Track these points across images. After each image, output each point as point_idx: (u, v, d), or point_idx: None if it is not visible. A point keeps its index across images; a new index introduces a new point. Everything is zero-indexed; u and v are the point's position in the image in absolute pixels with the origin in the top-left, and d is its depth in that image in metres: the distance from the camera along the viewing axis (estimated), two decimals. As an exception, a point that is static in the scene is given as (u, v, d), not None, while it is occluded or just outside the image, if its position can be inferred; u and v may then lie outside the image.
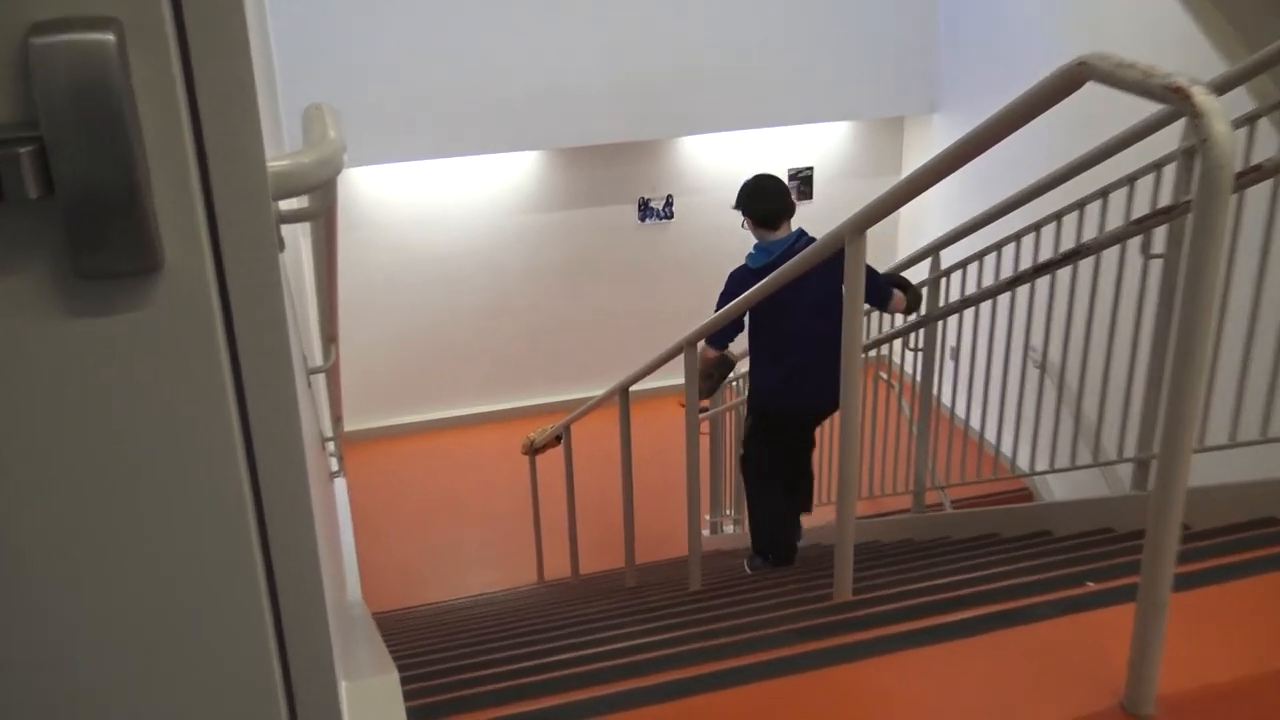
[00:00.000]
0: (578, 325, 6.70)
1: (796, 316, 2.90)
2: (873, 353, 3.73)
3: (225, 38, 0.55)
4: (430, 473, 6.08)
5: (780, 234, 2.97)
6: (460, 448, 6.37)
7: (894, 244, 6.69)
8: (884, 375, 4.03)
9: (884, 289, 2.99)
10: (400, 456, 6.30)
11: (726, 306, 2.74)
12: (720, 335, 2.97)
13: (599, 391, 3.79)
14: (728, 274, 2.98)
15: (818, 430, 3.30)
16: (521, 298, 6.52)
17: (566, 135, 5.85)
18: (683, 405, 2.90)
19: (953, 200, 5.34)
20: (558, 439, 4.30)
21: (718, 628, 1.94)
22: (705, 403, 3.21)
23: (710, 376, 3.05)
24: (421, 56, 5.43)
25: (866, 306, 3.02)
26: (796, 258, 2.25)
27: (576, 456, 4.21)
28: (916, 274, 3.71)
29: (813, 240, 2.76)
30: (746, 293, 2.57)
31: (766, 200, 2.98)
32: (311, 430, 1.72)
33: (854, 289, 1.89)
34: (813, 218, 6.38)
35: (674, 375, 3.14)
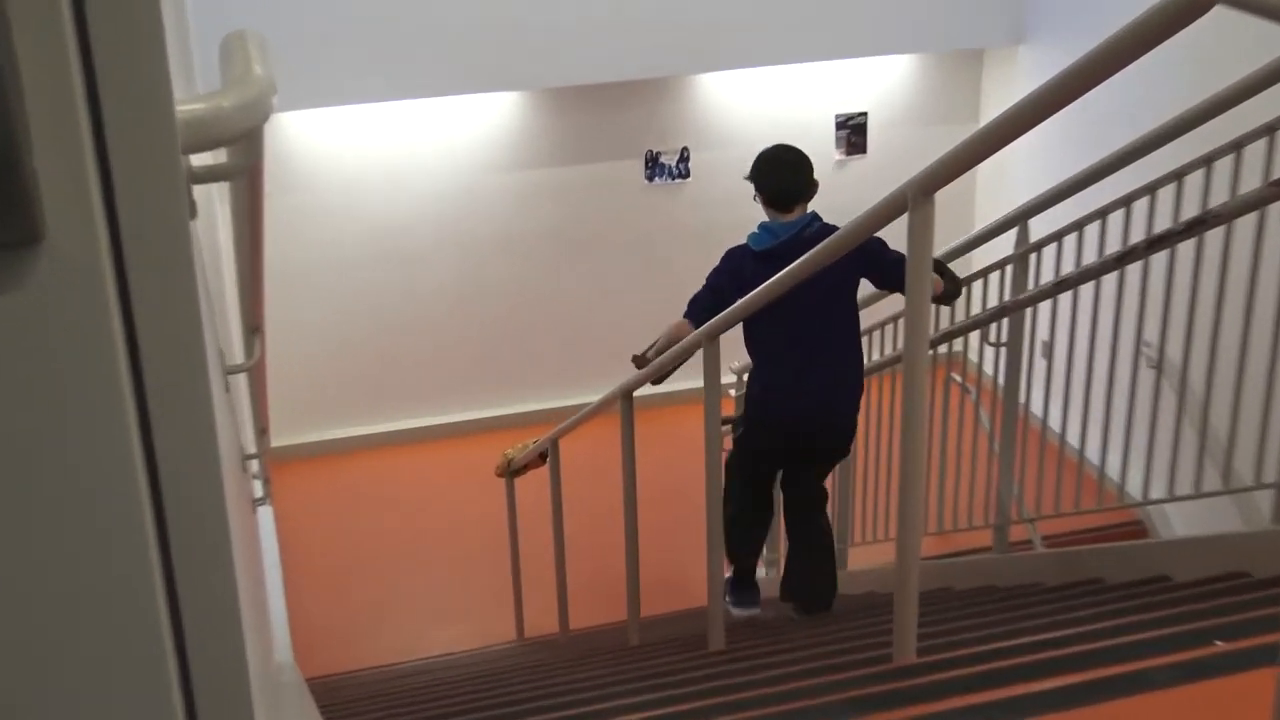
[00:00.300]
0: (568, 314, 6.70)
1: (796, 309, 2.98)
2: (942, 348, 3.72)
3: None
4: (380, 500, 6.08)
5: (793, 217, 3.12)
6: (418, 469, 6.37)
7: (969, 210, 6.69)
8: (957, 377, 4.05)
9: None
10: (342, 479, 6.31)
11: (713, 285, 2.99)
12: (700, 305, 3.12)
13: (595, 397, 3.78)
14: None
15: (856, 460, 3.41)
16: (497, 279, 6.53)
17: (554, 72, 5.86)
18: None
19: (1044, 155, 5.33)
20: (542, 457, 4.30)
21: (747, 698, 1.94)
22: (727, 408, 3.23)
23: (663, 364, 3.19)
24: (371, -29, 5.46)
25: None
26: (811, 253, 2.32)
27: (566, 480, 4.22)
28: (999, 248, 3.72)
29: (829, 229, 2.90)
30: (743, 291, 2.72)
31: (782, 176, 3.14)
32: (231, 446, 1.73)
33: (919, 263, 1.89)
34: (866, 176, 6.56)
35: (691, 377, 3.15)
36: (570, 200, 6.48)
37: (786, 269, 2.49)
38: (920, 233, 1.85)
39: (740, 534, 3.42)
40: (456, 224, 6.38)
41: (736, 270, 3.11)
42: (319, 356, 6.42)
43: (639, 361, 3.23)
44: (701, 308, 3.10)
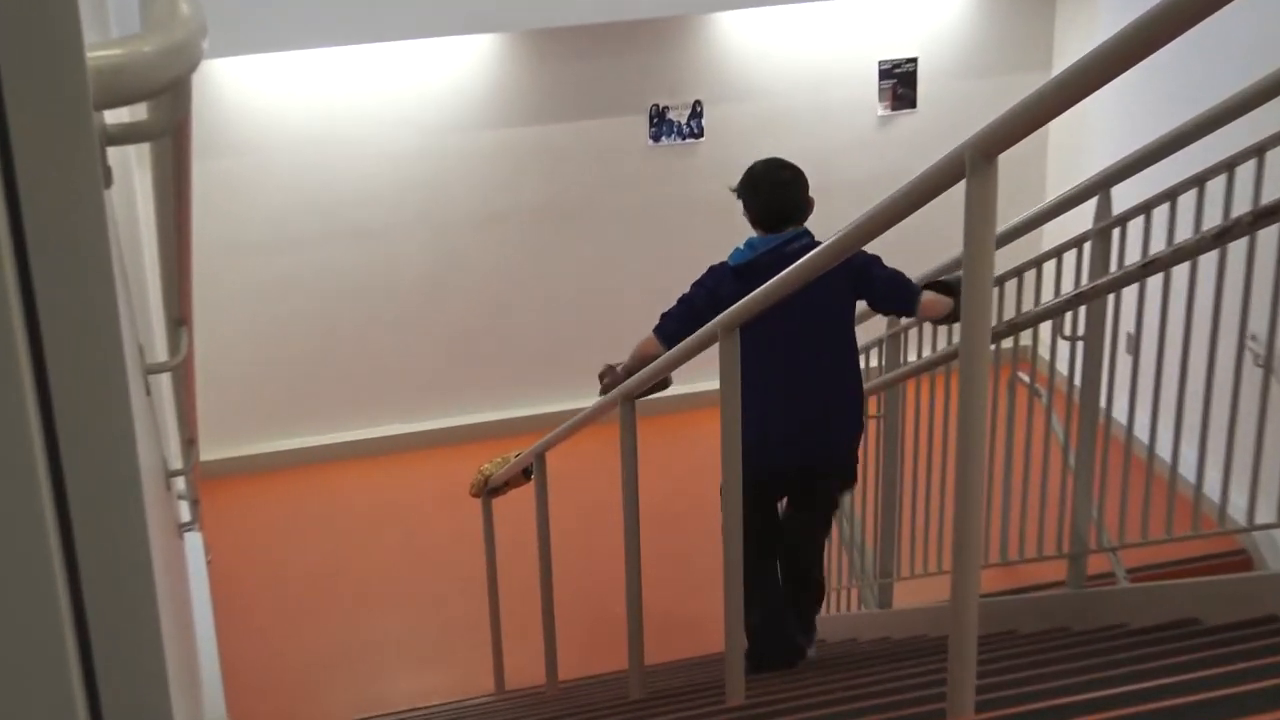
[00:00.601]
0: (557, 302, 6.69)
1: (781, 332, 3.15)
2: (1006, 342, 3.71)
3: None
4: (331, 526, 6.05)
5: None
6: (378, 488, 6.35)
7: (1039, 177, 6.69)
8: (1024, 377, 4.02)
9: (905, 288, 3.34)
10: (285, 501, 6.28)
11: (690, 300, 3.23)
12: (673, 322, 3.29)
13: (589, 402, 3.76)
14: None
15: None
16: (472, 261, 6.52)
17: (540, 12, 5.86)
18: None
19: (1130, 111, 5.32)
20: (526, 474, 4.29)
21: (770, 762, 1.94)
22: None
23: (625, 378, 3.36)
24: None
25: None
26: (799, 264, 2.40)
27: (555, 500, 4.20)
28: (1076, 222, 3.71)
29: (813, 244, 3.07)
30: (719, 313, 2.85)
31: (771, 195, 3.37)
32: (152, 461, 1.73)
33: (980, 240, 1.88)
34: (915, 136, 6.55)
35: (706, 377, 3.17)
36: (560, 166, 6.47)
37: (767, 283, 2.54)
38: (980, 204, 1.83)
39: (758, 596, 3.43)
40: (424, 195, 6.37)
41: (714, 288, 3.32)
42: (258, 353, 6.41)
43: (610, 380, 3.40)
44: (676, 323, 3.25)
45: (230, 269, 6.21)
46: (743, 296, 2.68)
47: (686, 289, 3.48)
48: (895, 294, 3.39)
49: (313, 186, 6.24)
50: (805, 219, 3.38)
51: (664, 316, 3.41)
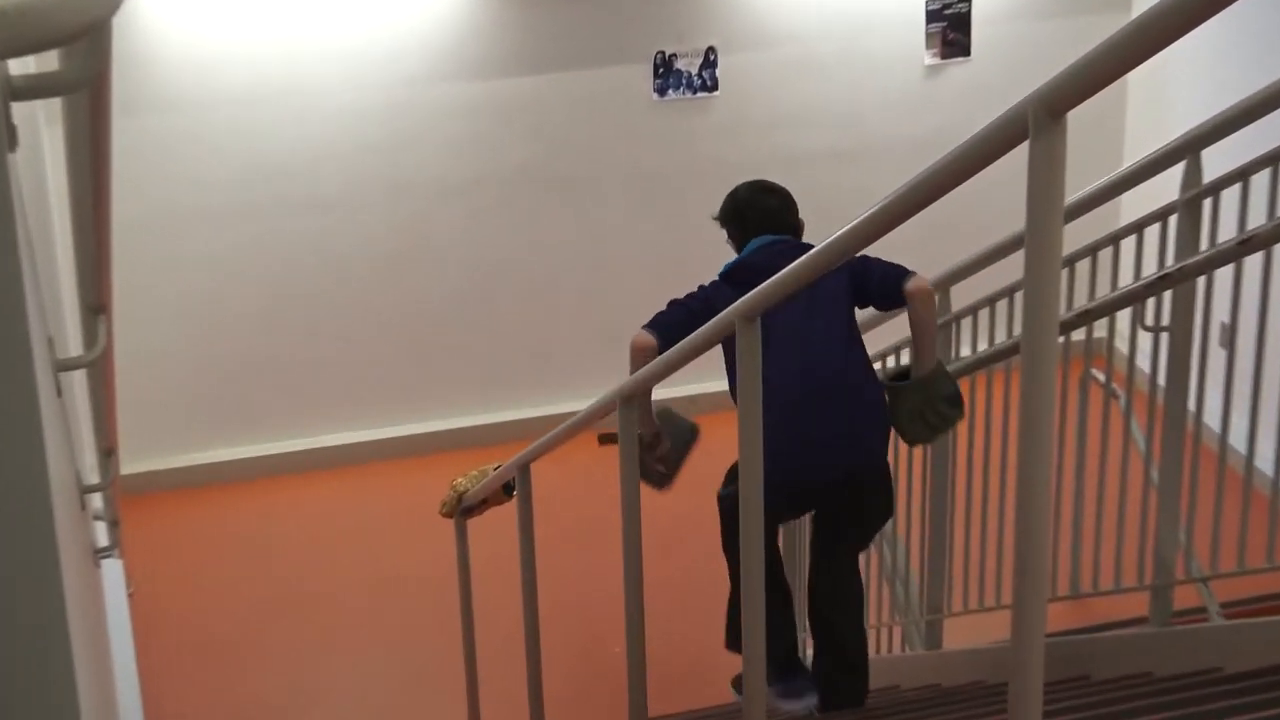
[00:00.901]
0: (544, 286, 6.69)
1: (786, 329, 3.26)
2: (1077, 333, 3.71)
3: None
4: (273, 551, 6.03)
5: None
6: (329, 507, 6.32)
7: (1116, 138, 6.66)
8: (1098, 375, 4.03)
9: (898, 270, 3.47)
10: (219, 522, 6.26)
11: (691, 307, 3.38)
12: (668, 320, 3.41)
13: (582, 404, 3.71)
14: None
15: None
16: (443, 237, 6.53)
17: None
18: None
19: (1225, 62, 5.30)
20: (507, 490, 4.28)
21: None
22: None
23: (652, 443, 3.57)
24: None
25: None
26: (821, 250, 2.44)
27: (542, 521, 4.12)
28: (1159, 191, 3.70)
29: (804, 248, 3.19)
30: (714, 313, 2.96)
31: (761, 223, 3.62)
32: (63, 476, 1.72)
33: (1045, 206, 1.87)
34: (968, 88, 6.54)
35: (711, 377, 3.23)
36: (549, 123, 6.46)
37: (790, 267, 2.57)
38: (1046, 171, 1.80)
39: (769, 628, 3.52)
40: (386, 159, 6.35)
41: (710, 296, 3.49)
42: (189, 347, 6.40)
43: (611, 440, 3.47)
44: (675, 327, 3.30)
45: (156, 247, 6.19)
46: (736, 297, 2.75)
47: (695, 267, 3.68)
48: (889, 275, 3.50)
49: (254, 150, 6.23)
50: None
51: (660, 317, 3.50)
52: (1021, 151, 1.84)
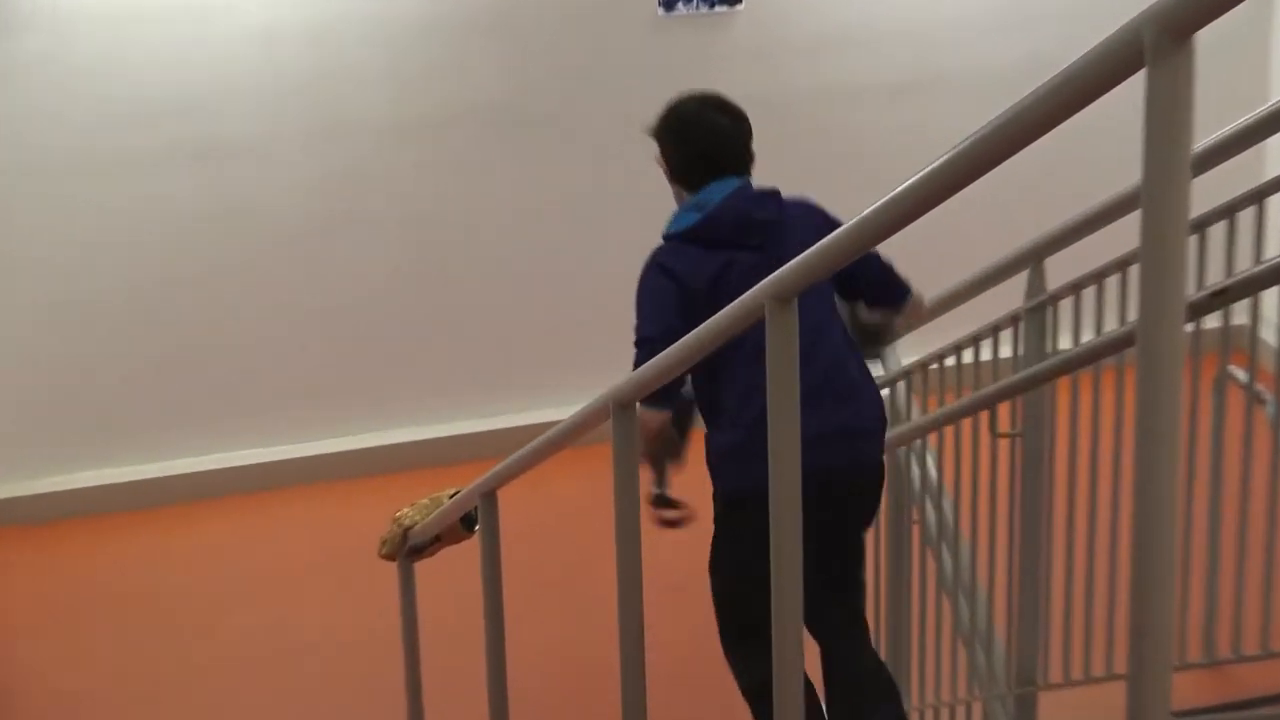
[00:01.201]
0: (516, 254, 6.77)
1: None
2: (1210, 320, 3.76)
3: None
4: (154, 602, 6.11)
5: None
6: (228, 544, 6.42)
7: (1261, 69, 6.69)
8: (1238, 373, 4.13)
9: (898, 281, 3.76)
10: (82, 564, 6.36)
11: (660, 326, 3.49)
12: (660, 386, 3.47)
13: (563, 412, 3.69)
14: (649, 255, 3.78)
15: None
16: (384, 194, 6.61)
17: None
18: None
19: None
20: (466, 524, 4.32)
21: None
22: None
23: (660, 455, 3.75)
24: None
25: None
26: (881, 207, 2.37)
27: (511, 562, 4.14)
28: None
29: (778, 196, 3.59)
30: (696, 305, 3.22)
31: (699, 138, 3.79)
32: None
33: (1167, 154, 1.78)
34: (1066, 2, 6.46)
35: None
36: (524, 47, 6.53)
37: (833, 235, 2.52)
38: (1167, 109, 1.73)
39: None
40: (312, 94, 6.41)
41: (670, 278, 3.66)
42: (46, 340, 6.48)
43: (662, 504, 3.82)
44: (665, 371, 3.32)
45: (7, 207, 6.27)
46: (708, 263, 3.03)
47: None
48: (889, 278, 3.80)
49: (138, 82, 6.27)
50: (746, 172, 3.78)
51: (639, 381, 3.43)
52: (1136, 84, 1.76)
